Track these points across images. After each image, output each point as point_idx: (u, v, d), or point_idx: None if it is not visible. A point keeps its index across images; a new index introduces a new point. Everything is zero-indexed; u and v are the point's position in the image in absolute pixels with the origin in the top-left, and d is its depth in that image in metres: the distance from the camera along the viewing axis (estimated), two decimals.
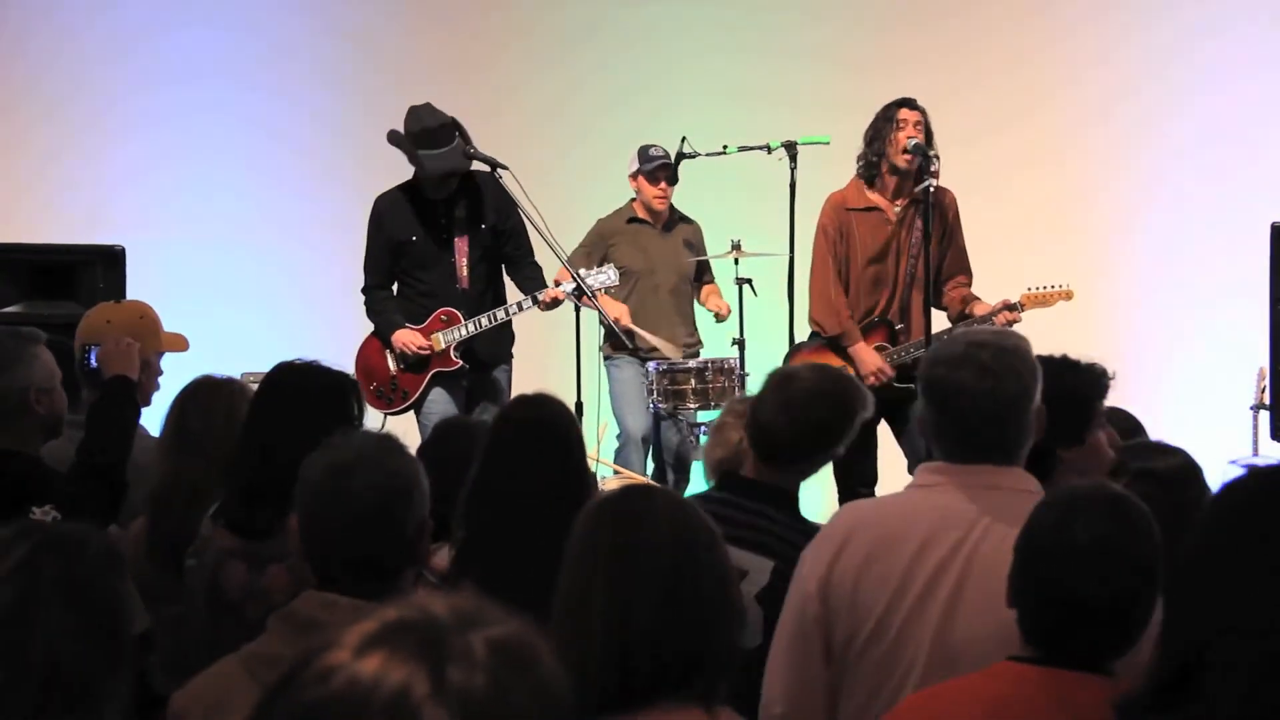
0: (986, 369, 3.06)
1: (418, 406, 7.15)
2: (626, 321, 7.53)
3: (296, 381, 3.87)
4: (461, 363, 7.11)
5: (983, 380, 3.05)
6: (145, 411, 4.48)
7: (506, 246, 7.19)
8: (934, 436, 3.15)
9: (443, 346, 7.09)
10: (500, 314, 7.10)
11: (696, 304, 8.01)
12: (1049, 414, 3.22)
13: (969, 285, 7.20)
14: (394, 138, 7.04)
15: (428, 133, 6.95)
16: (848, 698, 3.09)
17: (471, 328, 7.06)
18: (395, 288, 7.23)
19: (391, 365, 7.15)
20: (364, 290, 7.21)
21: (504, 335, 7.23)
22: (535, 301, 7.05)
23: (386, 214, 7.13)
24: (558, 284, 7.09)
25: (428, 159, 6.93)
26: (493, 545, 3.46)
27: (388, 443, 2.90)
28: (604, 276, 7.23)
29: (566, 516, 3.61)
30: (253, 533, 3.71)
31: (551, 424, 3.71)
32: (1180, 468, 3.53)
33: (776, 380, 3.95)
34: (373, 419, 6.92)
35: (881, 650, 3.04)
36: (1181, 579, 2.22)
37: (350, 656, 1.14)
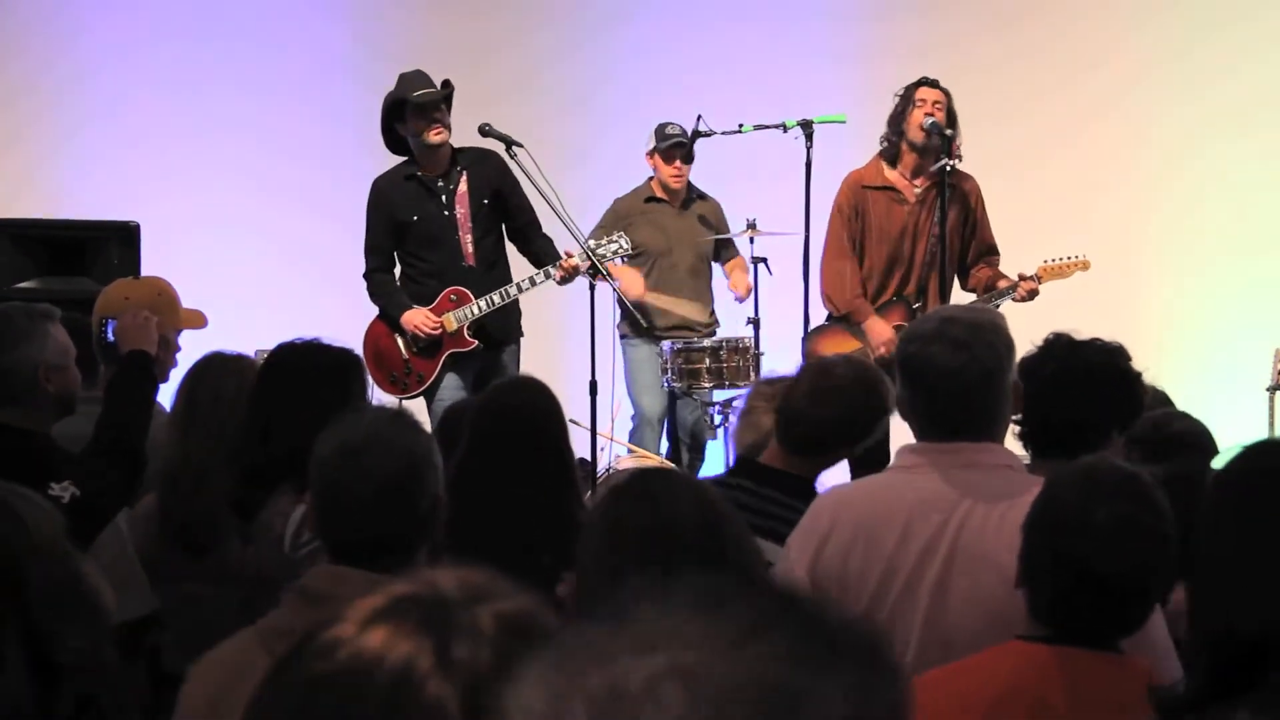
0: (959, 343, 3.05)
1: (432, 390, 7.00)
2: (640, 291, 7.45)
3: (298, 361, 3.88)
4: (477, 342, 6.96)
5: (956, 354, 3.05)
6: (161, 388, 4.48)
7: (514, 222, 7.07)
8: (910, 414, 3.16)
9: (455, 326, 6.93)
10: (513, 290, 6.95)
11: (715, 281, 7.99)
12: (1114, 394, 3.24)
13: (996, 265, 7.17)
14: (385, 104, 6.95)
15: (420, 75, 6.89)
16: None
17: (484, 305, 6.92)
18: (398, 270, 7.10)
19: (403, 348, 7.01)
20: (365, 275, 7.05)
21: (512, 312, 7.10)
22: (548, 275, 6.89)
23: (385, 195, 7.00)
24: (570, 255, 6.90)
25: (422, 94, 6.81)
26: (473, 532, 3.45)
27: (400, 419, 2.90)
28: (615, 245, 7.09)
29: (547, 501, 3.63)
30: (248, 513, 3.73)
31: (530, 410, 3.71)
32: (1193, 431, 3.61)
33: (813, 370, 3.97)
34: (384, 402, 6.89)
35: None
36: (1210, 565, 2.19)
37: (355, 631, 1.14)
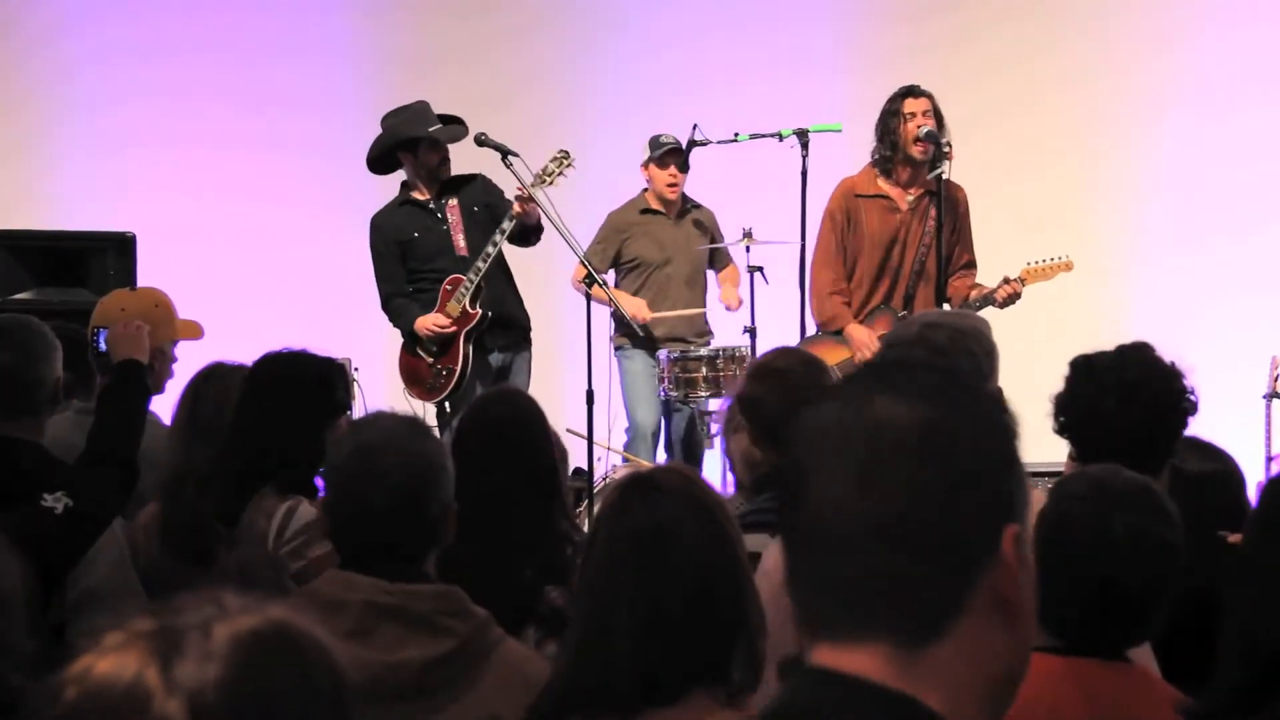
0: (939, 349, 3.04)
1: (464, 374, 7.14)
2: (647, 316, 7.51)
3: (281, 371, 3.90)
4: (483, 311, 7.11)
5: (934, 360, 3.03)
6: (158, 399, 4.48)
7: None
8: None
9: (459, 309, 7.10)
10: (489, 249, 7.07)
11: (710, 291, 8.00)
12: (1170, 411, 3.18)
13: (973, 277, 7.17)
14: (394, 131, 7.16)
15: (427, 109, 7.13)
16: None
17: (472, 275, 7.07)
18: (412, 289, 7.26)
19: (427, 357, 7.17)
20: (382, 305, 7.27)
21: (520, 317, 7.30)
22: (511, 219, 7.02)
23: (386, 224, 7.24)
24: (518, 195, 7.03)
25: (441, 132, 7.08)
26: (456, 545, 3.46)
27: (415, 425, 2.94)
28: (560, 161, 7.15)
29: (530, 514, 3.63)
30: (238, 516, 3.76)
31: (512, 422, 3.70)
32: (1214, 474, 3.50)
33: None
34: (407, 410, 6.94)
35: None
36: (1244, 582, 2.17)
37: (86, 665, 1.19)
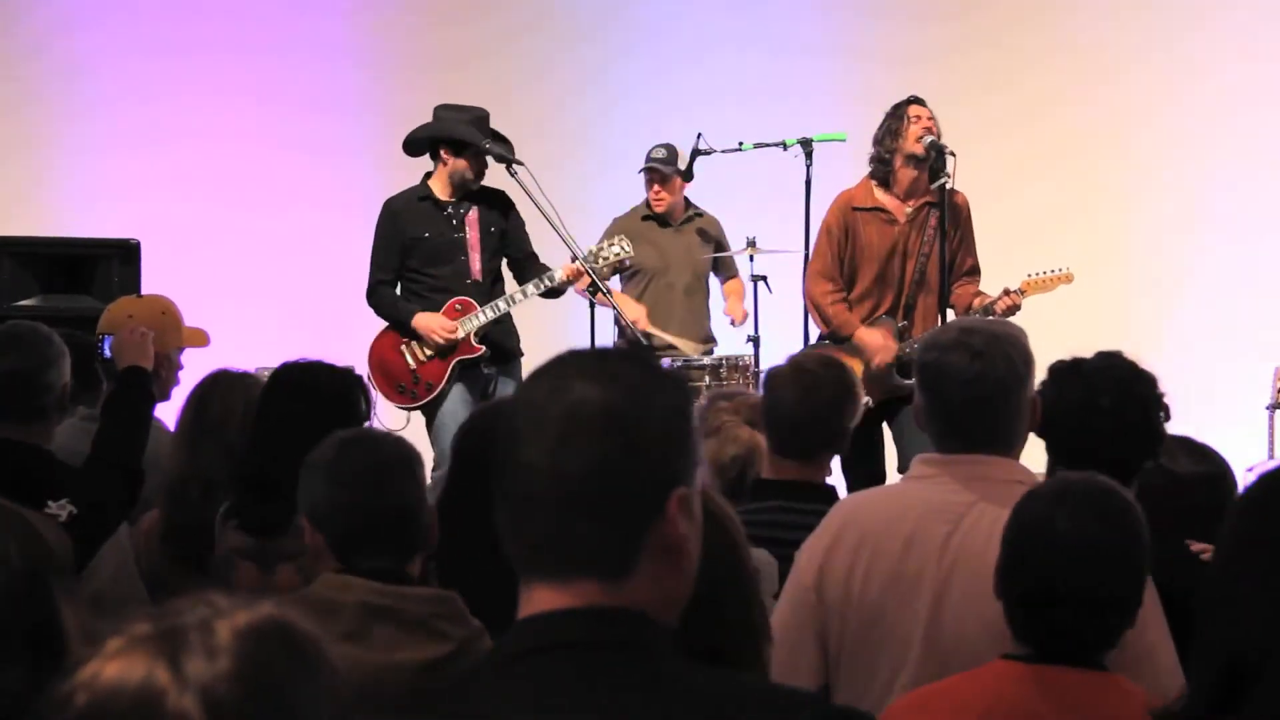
0: (976, 353, 3.06)
1: (438, 401, 7.06)
2: (645, 324, 7.49)
3: (302, 380, 3.91)
4: (484, 348, 7.05)
5: (971, 364, 3.05)
6: (163, 406, 4.49)
7: (515, 253, 7.21)
8: (927, 423, 3.16)
9: (463, 334, 7.02)
10: (518, 295, 7.04)
11: (713, 299, 8.01)
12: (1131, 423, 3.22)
13: (977, 284, 7.17)
14: (448, 126, 7.10)
15: (486, 118, 7.12)
16: (840, 691, 3.09)
17: (489, 312, 7.01)
18: (400, 287, 7.18)
19: (409, 359, 7.07)
20: (370, 289, 7.14)
21: (512, 331, 7.22)
22: (553, 280, 6.98)
23: (398, 214, 7.13)
24: (574, 258, 7.01)
25: (494, 151, 7.03)
26: (459, 557, 3.47)
27: (388, 434, 3.05)
28: (616, 249, 7.20)
29: None
30: (263, 530, 3.74)
31: None
32: (1205, 476, 3.50)
33: (790, 374, 4.01)
34: (391, 415, 6.93)
35: (874, 644, 3.05)
36: (1218, 586, 2.18)
37: (93, 671, 1.21)
